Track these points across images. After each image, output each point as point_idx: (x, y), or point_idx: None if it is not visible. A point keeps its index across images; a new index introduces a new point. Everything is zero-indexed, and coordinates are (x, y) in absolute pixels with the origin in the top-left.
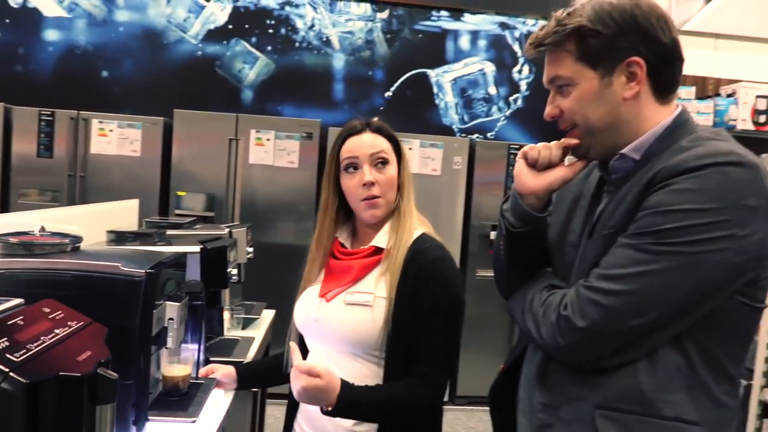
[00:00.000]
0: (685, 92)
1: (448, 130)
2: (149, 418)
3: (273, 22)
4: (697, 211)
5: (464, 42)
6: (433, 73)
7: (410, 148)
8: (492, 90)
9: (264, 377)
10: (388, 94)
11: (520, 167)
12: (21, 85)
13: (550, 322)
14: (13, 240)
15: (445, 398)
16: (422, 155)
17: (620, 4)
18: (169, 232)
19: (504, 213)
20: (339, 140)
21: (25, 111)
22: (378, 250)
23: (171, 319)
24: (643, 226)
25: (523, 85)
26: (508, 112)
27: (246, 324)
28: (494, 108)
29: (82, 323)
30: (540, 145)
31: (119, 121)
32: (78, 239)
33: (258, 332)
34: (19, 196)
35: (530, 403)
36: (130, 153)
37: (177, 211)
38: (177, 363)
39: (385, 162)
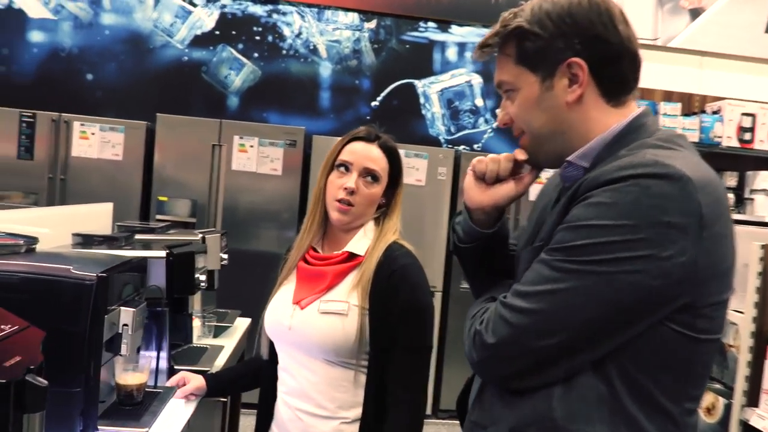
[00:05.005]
0: (671, 108)
1: (434, 141)
2: (99, 427)
3: (260, 29)
4: (609, 228)
5: (451, 53)
6: (420, 84)
7: None
8: (479, 102)
9: (232, 385)
10: (374, 103)
11: (469, 180)
12: (3, 86)
13: (470, 337)
14: None
15: (428, 412)
16: (407, 165)
17: (559, 3)
18: (138, 236)
19: (455, 226)
20: (346, 139)
21: (5, 112)
22: (351, 256)
23: (125, 325)
24: (556, 241)
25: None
26: (495, 125)
27: (218, 332)
28: (481, 120)
29: (16, 327)
30: (489, 157)
31: (101, 124)
32: (33, 240)
33: (230, 341)
34: None
35: (468, 420)
36: (112, 157)
37: (158, 217)
38: (132, 371)
39: (374, 179)
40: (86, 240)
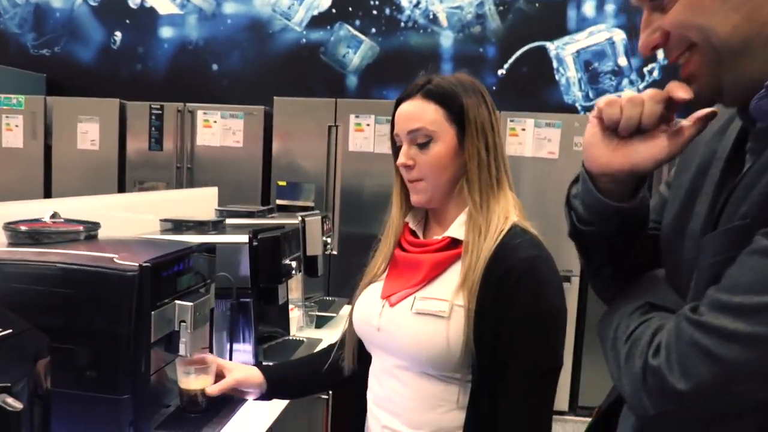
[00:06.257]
0: None
1: (570, 109)
2: None
3: (377, 2)
4: None
5: (588, 8)
6: (552, 46)
7: (523, 129)
8: (622, 61)
9: (297, 384)
10: (501, 71)
11: (593, 133)
12: (139, 82)
13: (634, 373)
14: (23, 228)
15: (566, 408)
16: (537, 136)
17: None
18: (231, 221)
19: (572, 200)
20: (395, 107)
21: (138, 106)
22: (455, 243)
23: (183, 321)
24: None
25: (660, 53)
26: (641, 86)
27: (321, 322)
28: (625, 81)
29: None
30: (625, 97)
31: (222, 111)
32: (95, 226)
33: (333, 332)
34: (137, 190)
35: None
36: (233, 144)
37: (278, 202)
38: (194, 374)
39: (426, 138)
40: (176, 225)
